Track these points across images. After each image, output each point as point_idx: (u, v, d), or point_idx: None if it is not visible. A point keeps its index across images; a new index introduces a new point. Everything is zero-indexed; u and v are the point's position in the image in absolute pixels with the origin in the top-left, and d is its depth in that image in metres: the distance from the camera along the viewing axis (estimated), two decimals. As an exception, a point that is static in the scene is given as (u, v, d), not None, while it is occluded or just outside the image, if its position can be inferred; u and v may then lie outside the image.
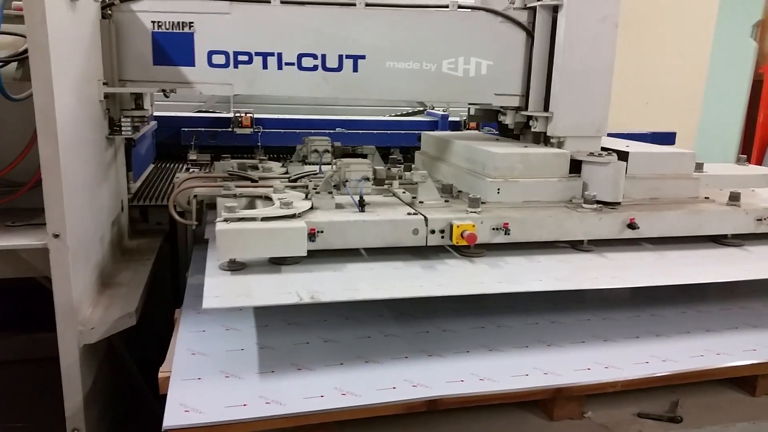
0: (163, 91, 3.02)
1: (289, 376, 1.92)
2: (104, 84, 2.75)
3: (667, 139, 6.26)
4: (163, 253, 3.16)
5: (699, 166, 3.05)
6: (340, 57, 2.84)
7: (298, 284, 2.07)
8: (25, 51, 2.34)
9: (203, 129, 4.52)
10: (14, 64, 2.84)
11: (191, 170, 3.90)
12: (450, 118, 4.93)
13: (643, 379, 2.07)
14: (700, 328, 2.42)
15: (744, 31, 6.12)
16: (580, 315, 2.52)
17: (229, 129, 4.55)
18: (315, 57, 2.84)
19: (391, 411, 1.83)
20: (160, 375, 1.89)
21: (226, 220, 2.11)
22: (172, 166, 4.41)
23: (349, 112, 5.32)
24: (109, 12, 2.87)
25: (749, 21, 6.08)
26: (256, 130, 4.57)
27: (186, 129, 4.49)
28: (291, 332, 2.24)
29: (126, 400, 2.97)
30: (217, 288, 2.01)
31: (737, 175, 3.20)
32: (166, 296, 3.17)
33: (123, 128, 2.88)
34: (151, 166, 4.34)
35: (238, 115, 4.56)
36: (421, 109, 5.44)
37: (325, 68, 2.84)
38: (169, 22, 2.83)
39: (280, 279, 2.12)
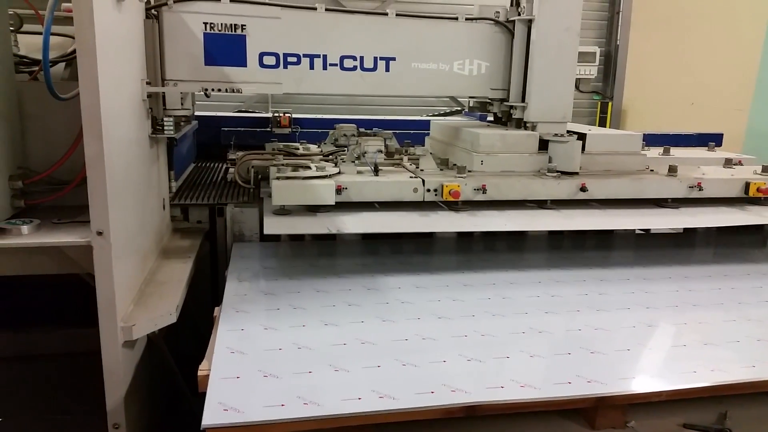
0: (205, 91, 3.07)
1: (326, 376, 1.92)
2: (147, 83, 2.80)
3: (714, 140, 6.05)
4: (202, 252, 3.19)
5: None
6: (375, 59, 3.25)
7: (328, 222, 2.82)
8: (73, 51, 2.40)
9: (243, 129, 4.57)
10: (62, 65, 2.92)
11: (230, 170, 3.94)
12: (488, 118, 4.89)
13: (690, 389, 1.99)
14: (750, 337, 2.33)
15: (796, 29, 5.91)
16: (624, 322, 2.46)
17: (268, 129, 4.59)
18: (354, 59, 3.22)
19: (428, 416, 1.80)
20: (200, 373, 1.90)
21: (278, 178, 2.88)
22: (212, 165, 4.46)
23: (384, 111, 5.35)
24: (155, 12, 2.93)
25: (802, 19, 5.86)
26: (294, 129, 4.60)
27: (226, 129, 4.54)
28: (328, 333, 2.23)
29: (165, 397, 3.01)
30: (273, 223, 2.80)
31: (686, 157, 4.09)
32: (205, 294, 3.20)
33: (166, 127, 2.93)
34: (192, 165, 4.40)
35: (276, 114, 4.60)
36: (459, 109, 5.40)
37: (362, 68, 3.24)
38: (222, 24, 3.03)
39: (315, 219, 2.87)
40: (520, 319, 2.45)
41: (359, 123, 4.57)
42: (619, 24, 9.20)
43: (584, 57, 9.12)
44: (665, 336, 2.36)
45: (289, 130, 4.60)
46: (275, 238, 3.36)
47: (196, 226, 3.35)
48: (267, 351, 2.06)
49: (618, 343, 2.24)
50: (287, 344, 2.12)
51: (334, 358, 2.03)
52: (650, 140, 5.18)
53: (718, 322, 2.47)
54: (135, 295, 2.45)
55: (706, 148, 4.73)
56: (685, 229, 4.00)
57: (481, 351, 2.14)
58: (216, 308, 2.40)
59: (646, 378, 2.03)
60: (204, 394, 1.79)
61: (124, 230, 2.30)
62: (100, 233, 2.10)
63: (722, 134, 6.12)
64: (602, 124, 9.19)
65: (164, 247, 3.04)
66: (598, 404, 1.93)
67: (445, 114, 4.99)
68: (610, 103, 9.22)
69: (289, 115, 4.62)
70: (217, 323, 2.25)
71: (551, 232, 3.64)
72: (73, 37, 2.10)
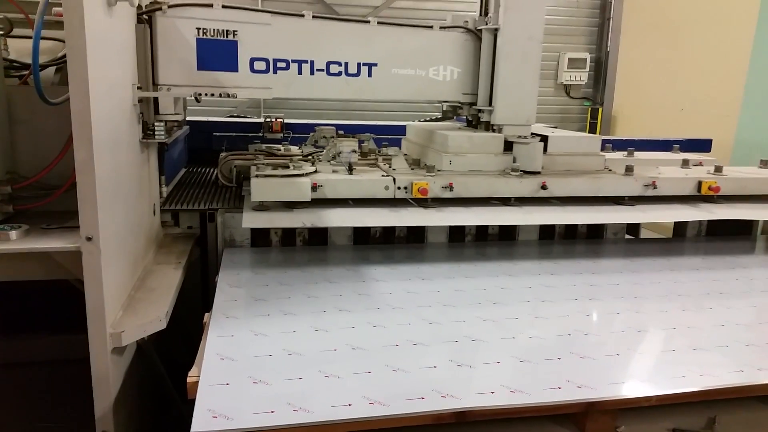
0: (196, 96, 3.07)
1: (316, 382, 1.91)
2: (138, 88, 2.79)
3: (703, 146, 6.12)
4: (193, 257, 3.18)
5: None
6: (359, 64, 3.38)
7: (303, 218, 3.00)
8: (64, 56, 2.38)
9: (234, 133, 4.56)
10: (52, 69, 2.91)
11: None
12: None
13: (679, 394, 2.00)
14: (739, 342, 2.34)
15: (784, 36, 5.97)
16: (613, 327, 2.47)
17: (260, 133, 4.59)
18: (340, 64, 3.35)
19: (419, 422, 1.80)
20: (189, 380, 1.89)
21: (257, 176, 3.02)
22: (204, 170, 4.44)
23: (376, 117, 5.39)
24: (146, 17, 2.93)
25: (790, 26, 5.93)
26: (286, 134, 4.60)
27: (218, 133, 4.53)
28: (318, 339, 2.23)
29: (154, 403, 2.99)
30: (251, 218, 2.98)
31: (646, 158, 4.32)
32: (195, 300, 3.19)
33: (156, 132, 2.92)
34: (183, 170, 4.39)
35: (268, 119, 4.59)
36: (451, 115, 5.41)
37: (347, 74, 3.38)
38: (214, 30, 3.10)
39: (292, 215, 3.04)
40: (511, 324, 2.45)
41: (351, 128, 4.62)
42: (610, 30, 9.27)
43: (575, 63, 9.25)
44: (654, 341, 2.37)
45: (281, 134, 4.60)
46: (266, 243, 3.36)
47: (187, 232, 3.34)
48: (257, 357, 2.05)
49: (608, 348, 2.25)
50: (277, 350, 2.11)
51: (325, 364, 2.02)
52: (640, 146, 5.24)
53: (707, 326, 2.48)
54: (124, 301, 2.44)
55: (671, 151, 4.89)
56: (674, 234, 4.04)
57: (471, 356, 2.14)
58: (206, 314, 2.39)
59: (636, 383, 2.04)
60: (194, 401, 1.78)
61: (114, 236, 2.29)
62: (89, 239, 2.09)
63: (711, 140, 6.18)
64: (592, 129, 9.25)
65: (154, 252, 3.03)
66: (589, 409, 1.94)
67: (437, 119, 5.00)
68: (600, 109, 9.28)
69: (281, 119, 4.62)
70: (206, 329, 2.25)
71: (542, 237, 3.68)
72: (64, 42, 2.09)
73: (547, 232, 3.75)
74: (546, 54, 9.82)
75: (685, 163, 4.09)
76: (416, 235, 3.57)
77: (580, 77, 9.17)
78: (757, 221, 4.07)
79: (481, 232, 3.67)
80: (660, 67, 8.20)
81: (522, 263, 3.28)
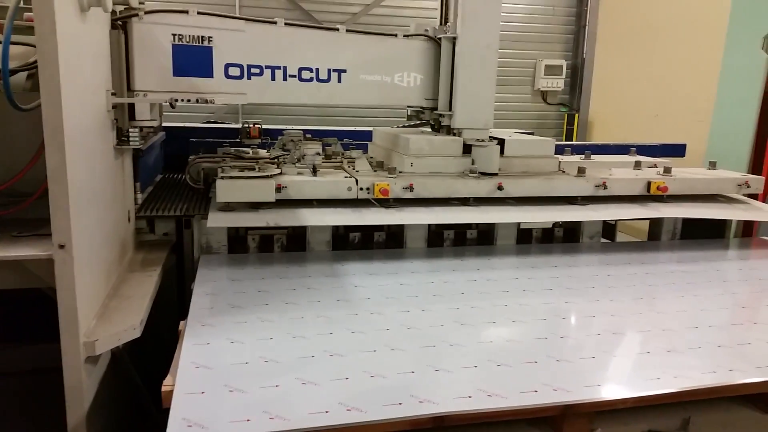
0: (171, 102, 3.05)
1: (293, 390, 1.90)
2: (113, 94, 2.76)
3: (677, 150, 6.22)
4: (169, 265, 3.15)
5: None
6: (329, 71, 3.49)
7: (268, 217, 3.10)
8: (35, 61, 2.35)
9: (212, 139, 4.53)
10: (24, 74, 2.86)
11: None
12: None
13: (654, 396, 2.02)
14: (712, 344, 2.38)
15: (755, 42, 6.08)
16: (589, 330, 2.49)
17: (238, 140, 4.56)
18: (311, 70, 3.46)
19: (397, 428, 1.80)
20: (163, 389, 1.87)
21: (222, 177, 3.11)
22: (180, 176, 4.40)
23: (354, 123, 5.42)
24: (121, 23, 2.91)
25: (760, 33, 6.03)
26: (264, 140, 4.57)
27: (194, 140, 4.49)
28: (296, 345, 2.22)
29: (130, 413, 2.94)
30: (216, 218, 3.07)
31: (602, 161, 4.47)
32: (172, 308, 3.15)
33: (131, 138, 2.89)
34: (160, 176, 4.34)
35: (246, 125, 4.56)
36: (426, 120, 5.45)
37: (318, 80, 3.48)
38: (190, 36, 3.14)
39: (256, 215, 3.13)
40: (488, 329, 2.47)
41: (323, 133, 4.66)
42: (586, 37, 9.38)
43: (551, 70, 9.37)
44: (630, 343, 2.39)
45: (259, 140, 4.57)
46: (243, 249, 3.34)
47: (163, 239, 3.30)
48: (233, 365, 2.03)
49: (584, 351, 2.27)
50: (254, 358, 2.09)
51: (302, 371, 2.01)
52: (616, 151, 5.31)
53: (681, 329, 2.51)
54: (98, 310, 2.40)
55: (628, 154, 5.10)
56: (649, 237, 4.09)
57: (449, 361, 2.14)
58: (181, 322, 2.37)
59: (612, 385, 2.06)
60: (169, 410, 1.76)
61: (87, 243, 2.26)
62: (62, 246, 2.06)
63: (685, 145, 6.28)
64: (569, 135, 9.34)
65: (129, 260, 3.00)
66: (565, 412, 1.95)
67: (415, 125, 5.04)
68: (576, 115, 9.38)
69: (258, 125, 4.59)
70: (182, 338, 2.22)
71: (520, 242, 3.71)
72: (35, 46, 2.07)
73: (524, 236, 3.79)
74: (523, 61, 10.00)
75: (638, 165, 4.22)
76: (395, 241, 3.58)
77: (557, 84, 9.29)
78: (731, 223, 4.16)
79: (460, 236, 3.69)
80: (635, 73, 8.32)
81: (500, 268, 3.30)
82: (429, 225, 3.53)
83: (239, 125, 4.70)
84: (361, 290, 2.81)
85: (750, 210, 3.93)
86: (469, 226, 3.70)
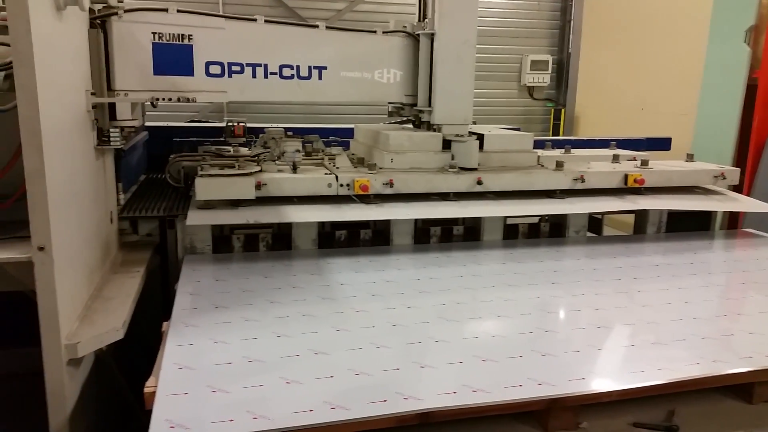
0: (152, 101, 3.02)
1: (277, 389, 1.89)
2: (92, 94, 2.73)
3: (663, 144, 6.26)
4: (153, 265, 3.12)
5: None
6: (310, 68, 3.48)
7: (248, 215, 3.09)
8: (11, 61, 2.31)
9: (195, 138, 4.49)
10: (2, 75, 2.82)
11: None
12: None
13: (639, 388, 2.03)
14: (696, 336, 2.39)
15: (737, 35, 6.12)
16: (575, 323, 2.50)
17: (222, 138, 4.52)
18: (292, 68, 3.44)
19: (382, 425, 1.79)
20: (146, 390, 1.85)
21: (202, 175, 3.10)
22: (163, 176, 4.36)
23: (342, 120, 5.41)
24: (99, 22, 2.87)
25: (742, 26, 6.08)
26: (249, 139, 4.54)
27: (178, 139, 4.46)
28: (280, 345, 2.20)
29: (115, 415, 2.92)
30: (196, 216, 3.06)
31: (581, 155, 4.57)
32: (156, 309, 3.12)
33: (112, 138, 2.86)
34: (143, 176, 4.31)
35: (231, 124, 4.53)
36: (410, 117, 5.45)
37: (299, 77, 3.47)
38: (170, 34, 3.11)
39: (236, 212, 3.14)
40: (474, 324, 2.47)
41: (304, 130, 4.64)
42: (571, 33, 9.42)
43: (537, 65, 9.40)
44: (615, 336, 2.40)
45: (244, 139, 4.54)
46: (228, 249, 3.32)
47: (146, 239, 3.28)
48: (216, 365, 2.02)
49: (569, 345, 2.27)
50: (238, 358, 2.08)
51: (286, 370, 2.00)
52: (597, 145, 5.33)
53: (666, 321, 2.52)
54: (81, 312, 2.38)
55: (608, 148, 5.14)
56: (634, 230, 4.11)
57: (434, 357, 2.14)
58: (164, 323, 2.35)
59: (597, 379, 2.06)
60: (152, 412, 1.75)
61: (68, 245, 2.23)
62: (41, 249, 2.04)
63: (670, 138, 6.31)
64: (556, 130, 9.37)
65: (112, 261, 2.97)
66: (551, 406, 1.95)
67: (400, 122, 5.04)
68: (563, 110, 9.41)
69: (243, 124, 4.56)
70: (165, 339, 2.20)
71: (506, 237, 3.71)
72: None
73: (511, 231, 3.79)
74: (509, 56, 10.03)
75: (615, 158, 4.25)
76: (381, 238, 3.57)
77: (543, 79, 9.32)
78: (716, 216, 4.19)
79: (446, 233, 3.69)
80: (620, 67, 8.35)
81: (486, 263, 3.30)
82: (415, 222, 3.53)
83: (223, 124, 4.67)
84: (347, 288, 2.80)
85: (726, 201, 3.97)
86: (455, 221, 3.71)
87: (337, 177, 3.31)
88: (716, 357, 2.21)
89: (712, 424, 2.09)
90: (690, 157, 4.30)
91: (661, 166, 4.05)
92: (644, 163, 3.99)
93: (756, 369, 2.15)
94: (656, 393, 2.07)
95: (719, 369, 2.14)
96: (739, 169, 4.20)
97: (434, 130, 3.73)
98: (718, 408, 2.17)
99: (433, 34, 3.62)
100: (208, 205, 3.15)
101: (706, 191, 4.11)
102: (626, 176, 3.80)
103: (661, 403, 2.13)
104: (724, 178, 4.05)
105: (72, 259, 2.29)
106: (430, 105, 3.71)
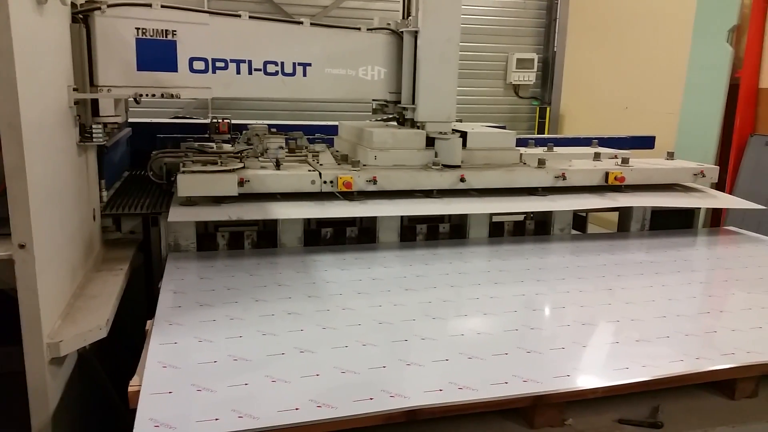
0: (136, 97, 2.99)
1: (263, 388, 1.87)
2: (75, 90, 2.70)
3: (647, 143, 6.31)
4: (136, 263, 3.09)
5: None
6: (294, 64, 3.46)
7: (230, 211, 3.08)
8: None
9: (179, 135, 4.45)
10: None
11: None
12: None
13: (624, 385, 2.04)
14: (679, 332, 2.41)
15: (720, 36, 6.20)
16: (559, 321, 2.51)
17: (206, 135, 4.49)
18: (276, 64, 3.42)
19: (368, 423, 1.79)
20: (130, 389, 1.83)
21: (184, 172, 3.08)
22: (147, 173, 4.32)
23: (328, 117, 5.39)
24: (81, 17, 2.84)
25: (725, 26, 6.15)
26: (234, 135, 4.51)
27: (162, 135, 4.42)
28: (266, 343, 2.19)
29: (98, 414, 2.89)
30: (178, 212, 3.03)
31: (563, 153, 4.54)
32: (140, 307, 3.10)
33: (95, 135, 2.83)
34: (126, 173, 4.26)
35: (215, 120, 4.50)
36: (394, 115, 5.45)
37: (284, 74, 3.45)
38: (154, 30, 3.09)
39: (219, 209, 3.12)
40: (460, 322, 2.48)
41: (289, 127, 4.63)
42: (556, 31, 9.46)
43: (523, 63, 9.42)
44: (599, 333, 2.41)
45: (229, 135, 4.52)
46: (213, 247, 3.29)
47: (129, 237, 3.25)
48: (201, 364, 2.00)
49: (554, 342, 2.28)
50: (223, 356, 2.06)
51: (272, 369, 1.99)
52: (581, 144, 5.36)
53: (650, 318, 2.54)
54: (63, 310, 2.35)
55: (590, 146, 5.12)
56: (618, 228, 4.14)
57: (420, 355, 2.14)
58: (148, 321, 2.32)
59: (582, 375, 2.07)
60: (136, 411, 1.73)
61: (49, 243, 2.20)
62: (22, 246, 2.01)
63: (654, 137, 6.37)
64: (541, 128, 9.41)
65: (95, 259, 2.94)
66: (536, 403, 1.96)
67: (386, 119, 5.04)
68: (548, 108, 9.45)
69: (227, 120, 4.53)
70: (149, 337, 2.18)
71: (492, 235, 3.72)
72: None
73: (496, 229, 3.80)
74: (495, 54, 10.03)
75: (597, 156, 4.28)
76: (368, 236, 3.56)
77: (529, 77, 9.35)
78: (699, 214, 4.23)
79: (432, 230, 3.69)
80: (605, 66, 8.41)
81: (472, 260, 3.31)
82: (401, 219, 3.52)
83: (208, 120, 4.64)
84: (333, 286, 2.79)
85: (705, 198, 4.03)
86: (441, 219, 3.71)
87: (320, 174, 3.30)
88: (699, 354, 2.23)
89: (695, 420, 2.10)
90: (670, 156, 4.34)
91: (642, 164, 4.09)
92: (625, 161, 4.02)
93: (738, 365, 2.18)
94: (641, 390, 2.09)
95: (702, 366, 2.16)
96: (718, 167, 4.25)
97: (418, 128, 3.73)
98: (701, 404, 2.19)
99: (416, 32, 3.61)
100: (191, 201, 3.13)
101: (686, 189, 4.15)
102: (607, 174, 3.83)
103: (646, 400, 2.14)
104: (704, 176, 4.09)
105: (54, 256, 2.26)
106: (413, 102, 3.71)
